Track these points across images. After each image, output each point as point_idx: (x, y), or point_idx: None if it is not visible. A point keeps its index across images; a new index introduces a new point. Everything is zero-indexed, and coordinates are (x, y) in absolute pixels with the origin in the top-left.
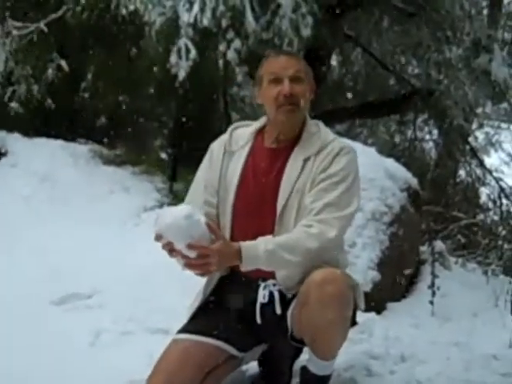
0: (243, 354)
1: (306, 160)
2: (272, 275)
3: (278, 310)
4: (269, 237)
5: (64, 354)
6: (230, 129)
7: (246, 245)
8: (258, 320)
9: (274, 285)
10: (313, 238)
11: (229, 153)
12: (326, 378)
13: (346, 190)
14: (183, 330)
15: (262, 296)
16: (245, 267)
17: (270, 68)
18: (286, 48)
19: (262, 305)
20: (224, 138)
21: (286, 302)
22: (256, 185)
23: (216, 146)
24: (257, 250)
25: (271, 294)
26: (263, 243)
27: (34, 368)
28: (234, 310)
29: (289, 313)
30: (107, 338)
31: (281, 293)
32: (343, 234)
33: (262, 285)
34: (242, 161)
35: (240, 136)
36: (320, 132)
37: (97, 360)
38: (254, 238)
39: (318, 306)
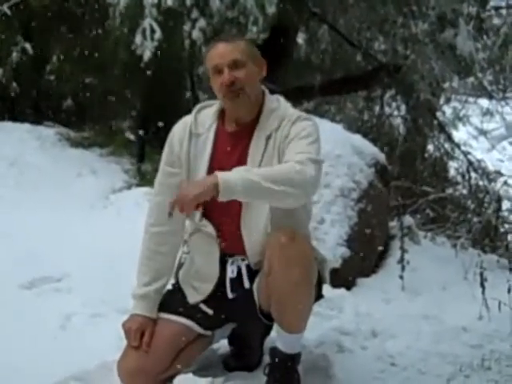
0: (210, 332)
1: (267, 138)
2: (238, 251)
3: (247, 284)
4: (248, 167)
5: (35, 338)
6: (194, 111)
7: (223, 175)
8: (230, 295)
9: (243, 260)
10: (295, 171)
11: (195, 135)
12: (296, 356)
13: (313, 142)
14: None
15: (231, 271)
16: (222, 197)
17: (211, 59)
18: (251, 27)
19: (232, 280)
20: (188, 120)
21: (253, 277)
22: (224, 169)
23: (178, 130)
24: (236, 179)
25: (239, 269)
26: (243, 172)
27: (5, 352)
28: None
29: (255, 286)
30: (78, 321)
31: (248, 267)
32: (319, 178)
33: (230, 260)
34: (209, 146)
35: (205, 117)
36: (280, 107)
37: (68, 343)
38: (225, 220)
39: (283, 268)
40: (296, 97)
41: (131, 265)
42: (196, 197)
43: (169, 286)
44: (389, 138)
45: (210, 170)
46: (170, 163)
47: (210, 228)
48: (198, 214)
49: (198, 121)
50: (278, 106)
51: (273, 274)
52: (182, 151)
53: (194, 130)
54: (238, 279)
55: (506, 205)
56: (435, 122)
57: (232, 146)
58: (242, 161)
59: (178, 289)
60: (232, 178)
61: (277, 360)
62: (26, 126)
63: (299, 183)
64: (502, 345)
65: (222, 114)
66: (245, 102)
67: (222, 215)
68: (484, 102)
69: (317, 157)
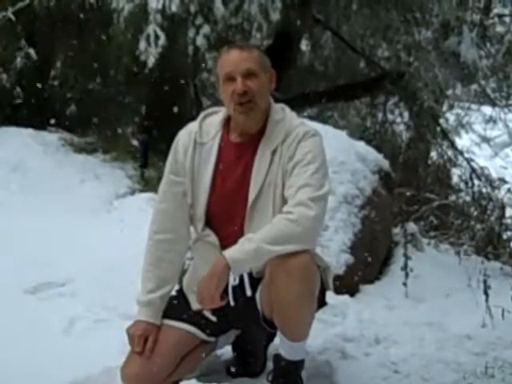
0: (214, 338)
1: (273, 152)
2: None
3: (249, 292)
4: (250, 235)
5: (39, 342)
6: (199, 119)
7: (230, 254)
8: (232, 302)
9: None
10: (294, 223)
11: (199, 144)
12: (300, 362)
13: (316, 171)
14: None
15: (233, 279)
16: (236, 274)
17: (223, 66)
18: (255, 33)
19: (234, 287)
20: (192, 128)
21: (255, 285)
22: (228, 180)
23: (183, 138)
24: (241, 254)
25: (241, 277)
26: (246, 244)
27: (9, 357)
28: None
29: (257, 294)
30: (81, 326)
31: (250, 275)
32: (323, 214)
33: None
34: (213, 156)
35: (210, 126)
36: (285, 118)
37: (72, 348)
38: (228, 231)
39: (285, 279)
40: (299, 103)
41: (135, 270)
42: (217, 289)
43: (173, 292)
44: (392, 144)
45: (214, 180)
46: (174, 172)
47: (212, 237)
48: (200, 224)
49: (203, 129)
50: (284, 116)
51: (275, 284)
52: (187, 160)
53: (199, 139)
54: (240, 287)
55: (509, 212)
56: (438, 129)
57: (237, 158)
58: (246, 174)
59: (181, 295)
60: (238, 255)
61: (280, 367)
62: (30, 131)
63: (301, 235)
64: (506, 352)
65: (226, 123)
66: (256, 115)
67: (226, 225)
68: (487, 110)
69: (319, 191)
